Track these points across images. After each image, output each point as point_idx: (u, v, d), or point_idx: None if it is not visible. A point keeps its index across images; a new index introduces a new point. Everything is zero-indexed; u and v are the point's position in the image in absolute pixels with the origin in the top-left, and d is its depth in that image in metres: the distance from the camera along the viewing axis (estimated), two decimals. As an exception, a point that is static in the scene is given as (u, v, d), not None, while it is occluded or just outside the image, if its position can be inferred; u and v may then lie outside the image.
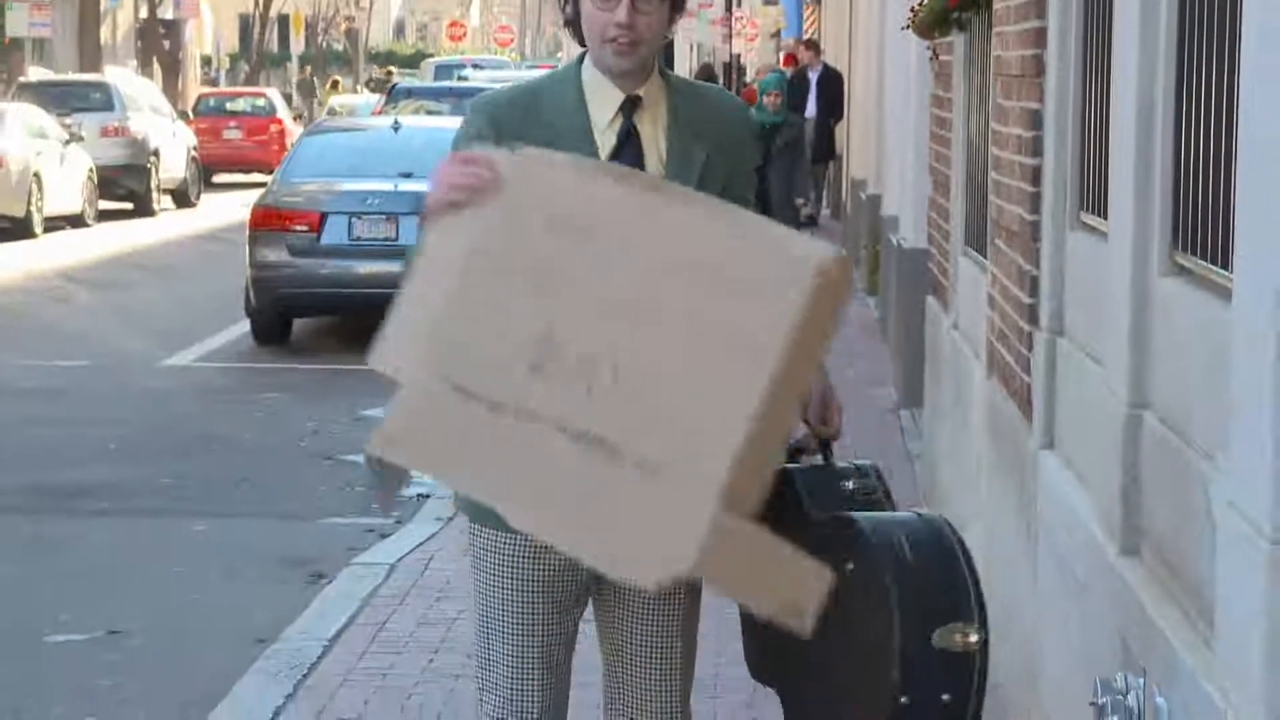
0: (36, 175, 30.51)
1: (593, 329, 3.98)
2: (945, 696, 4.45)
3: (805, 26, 40.47)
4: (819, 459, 4.79)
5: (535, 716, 4.75)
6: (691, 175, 4.58)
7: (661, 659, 4.75)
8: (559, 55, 72.50)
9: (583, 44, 4.65)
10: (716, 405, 3.85)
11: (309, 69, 71.35)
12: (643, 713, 4.79)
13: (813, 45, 30.74)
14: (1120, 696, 4.75)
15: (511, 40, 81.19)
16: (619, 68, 4.59)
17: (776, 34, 57.23)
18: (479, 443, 4.07)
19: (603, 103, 4.63)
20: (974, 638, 4.48)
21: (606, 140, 4.61)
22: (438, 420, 4.13)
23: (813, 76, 28.13)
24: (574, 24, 4.64)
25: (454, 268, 4.17)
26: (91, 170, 33.02)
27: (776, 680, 4.92)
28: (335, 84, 33.22)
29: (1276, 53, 3.74)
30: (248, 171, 44.05)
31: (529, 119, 4.62)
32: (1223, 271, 4.52)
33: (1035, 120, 6.95)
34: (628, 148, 4.61)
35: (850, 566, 4.50)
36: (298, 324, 19.30)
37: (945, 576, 4.50)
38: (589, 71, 4.64)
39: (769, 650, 4.86)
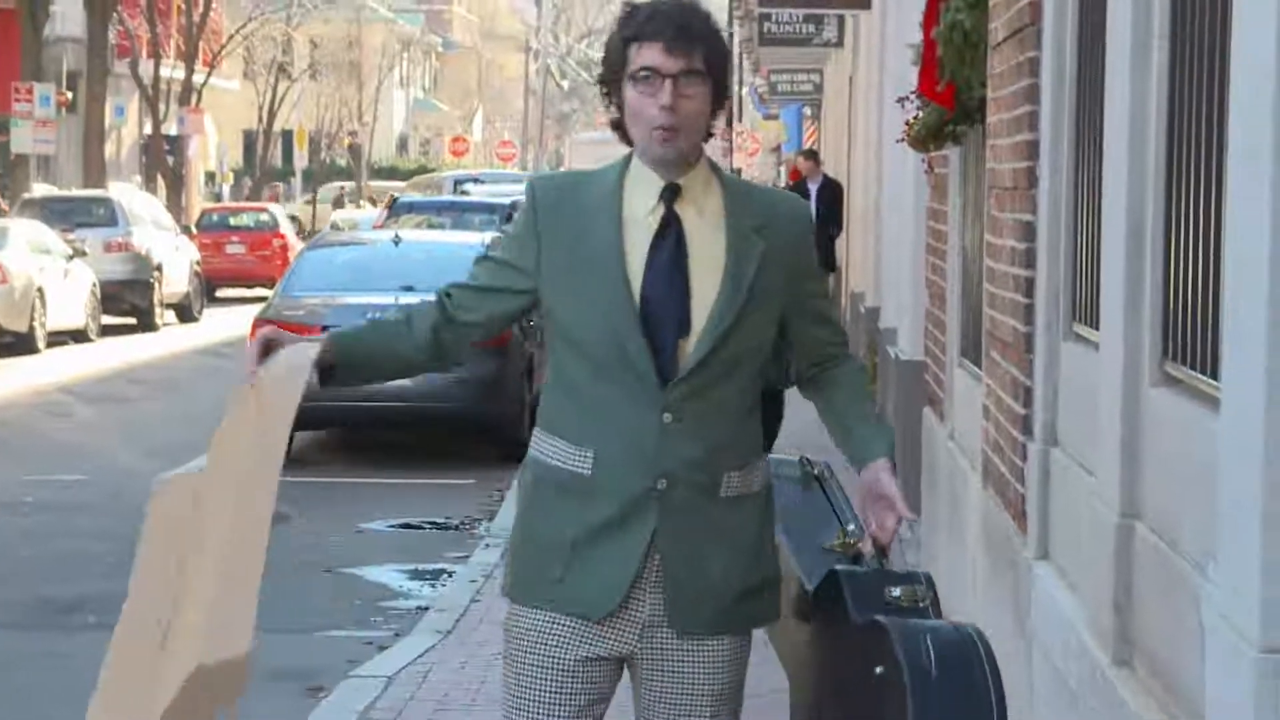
0: (40, 291, 30.53)
1: None
2: None
3: (805, 139, 40.63)
4: (876, 563, 4.78)
5: None
6: (750, 265, 4.59)
7: None
8: (560, 169, 72.79)
9: (629, 143, 4.67)
10: None
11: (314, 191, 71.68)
12: None
13: (812, 156, 30.79)
14: (1115, 807, 4.75)
15: (514, 155, 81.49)
16: (663, 156, 4.60)
17: (777, 148, 57.46)
18: None
19: (645, 191, 4.64)
20: None
21: (646, 229, 4.61)
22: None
23: (813, 187, 28.14)
24: (620, 125, 4.67)
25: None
26: (95, 285, 33.02)
27: None
28: (392, 200, 33.34)
29: (1260, 174, 3.77)
30: (251, 286, 44.06)
31: (565, 198, 4.69)
32: (1212, 381, 4.55)
33: (1028, 232, 6.98)
34: (668, 234, 4.61)
35: (879, 670, 4.53)
36: (298, 437, 19.29)
37: (966, 683, 4.50)
38: (634, 164, 4.67)
39: None
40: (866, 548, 4.80)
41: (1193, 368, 4.78)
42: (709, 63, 4.61)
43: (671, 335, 4.56)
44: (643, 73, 4.57)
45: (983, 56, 8.42)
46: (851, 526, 4.93)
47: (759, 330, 4.63)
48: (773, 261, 4.63)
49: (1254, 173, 3.83)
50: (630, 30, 4.62)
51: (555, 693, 4.64)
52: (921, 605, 4.71)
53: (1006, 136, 7.49)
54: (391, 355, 4.81)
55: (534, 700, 4.66)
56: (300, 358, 4.62)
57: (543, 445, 4.70)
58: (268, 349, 4.68)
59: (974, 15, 8.47)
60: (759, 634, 4.85)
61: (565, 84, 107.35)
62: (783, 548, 4.93)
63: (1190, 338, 4.82)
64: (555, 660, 4.63)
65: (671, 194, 4.63)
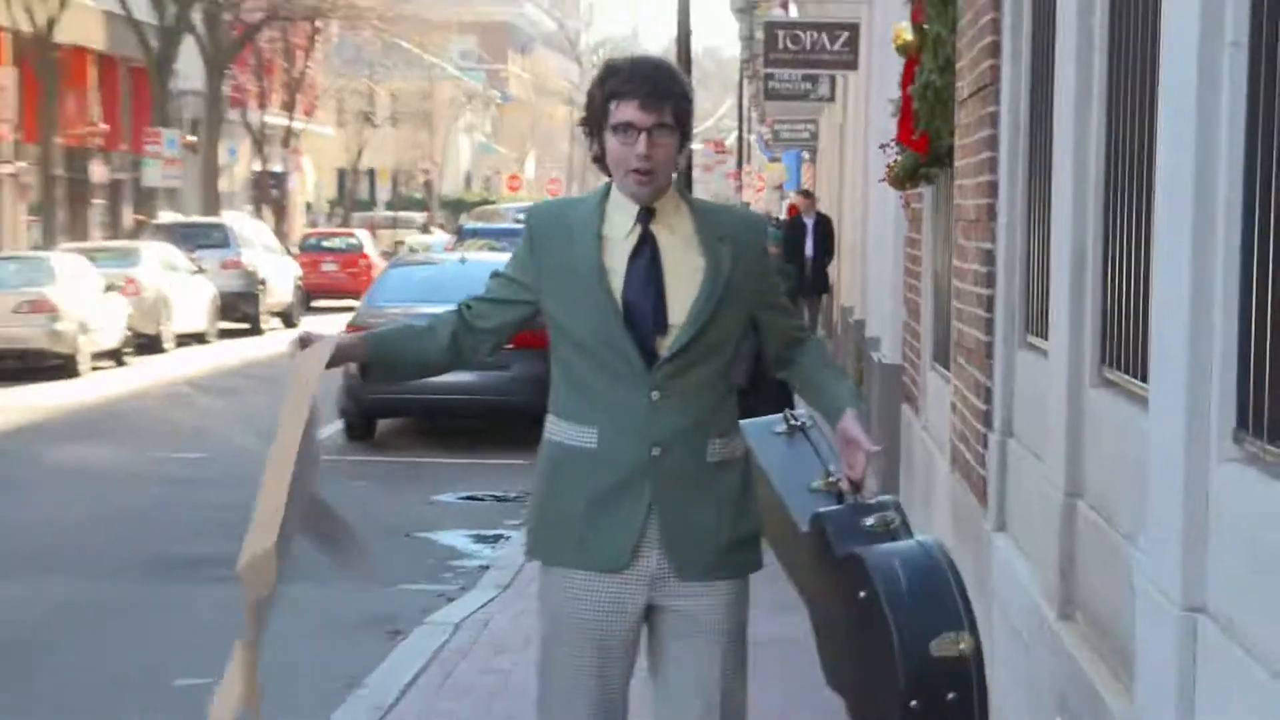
0: (167, 300, 30.66)
1: None
2: (950, 695, 4.45)
3: (803, 179, 40.54)
4: (853, 499, 4.78)
5: None
6: (724, 267, 4.61)
7: (698, 702, 4.63)
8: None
9: (609, 175, 4.69)
10: None
11: (394, 220, 71.72)
12: None
13: (807, 195, 30.69)
14: (1059, 737, 4.75)
15: (560, 190, 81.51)
16: (639, 196, 4.63)
17: (779, 186, 57.35)
18: None
19: (623, 216, 4.66)
20: (964, 644, 4.48)
21: (626, 246, 4.63)
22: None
23: (808, 221, 28.08)
24: (600, 160, 4.70)
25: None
26: (213, 296, 33.17)
27: (840, 690, 4.92)
28: (459, 228, 33.24)
29: (1180, 208, 3.77)
30: (341, 298, 44.05)
31: (554, 222, 4.73)
32: (1142, 384, 4.54)
33: (988, 258, 6.98)
34: (644, 249, 4.63)
35: (862, 594, 4.53)
36: (381, 423, 19.34)
37: (935, 594, 4.51)
38: (614, 193, 4.69)
39: (831, 665, 4.88)
40: (845, 486, 4.78)
41: (1126, 372, 4.78)
42: (676, 116, 4.63)
43: (650, 330, 4.58)
44: (621, 126, 4.59)
45: (950, 110, 8.41)
46: (832, 467, 4.90)
47: (730, 322, 4.64)
48: (739, 264, 4.65)
49: (1176, 206, 3.83)
50: (610, 88, 4.64)
51: (587, 640, 4.63)
52: (892, 528, 4.70)
53: (971, 177, 7.49)
54: (417, 356, 4.84)
55: (567, 651, 4.65)
56: (322, 348, 4.80)
57: (555, 428, 4.70)
58: (305, 342, 4.83)
59: (943, 76, 8.47)
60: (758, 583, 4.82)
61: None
62: (778, 495, 4.92)
63: (1124, 346, 4.82)
64: (585, 611, 4.63)
65: (647, 216, 4.65)
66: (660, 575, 4.61)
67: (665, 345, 4.58)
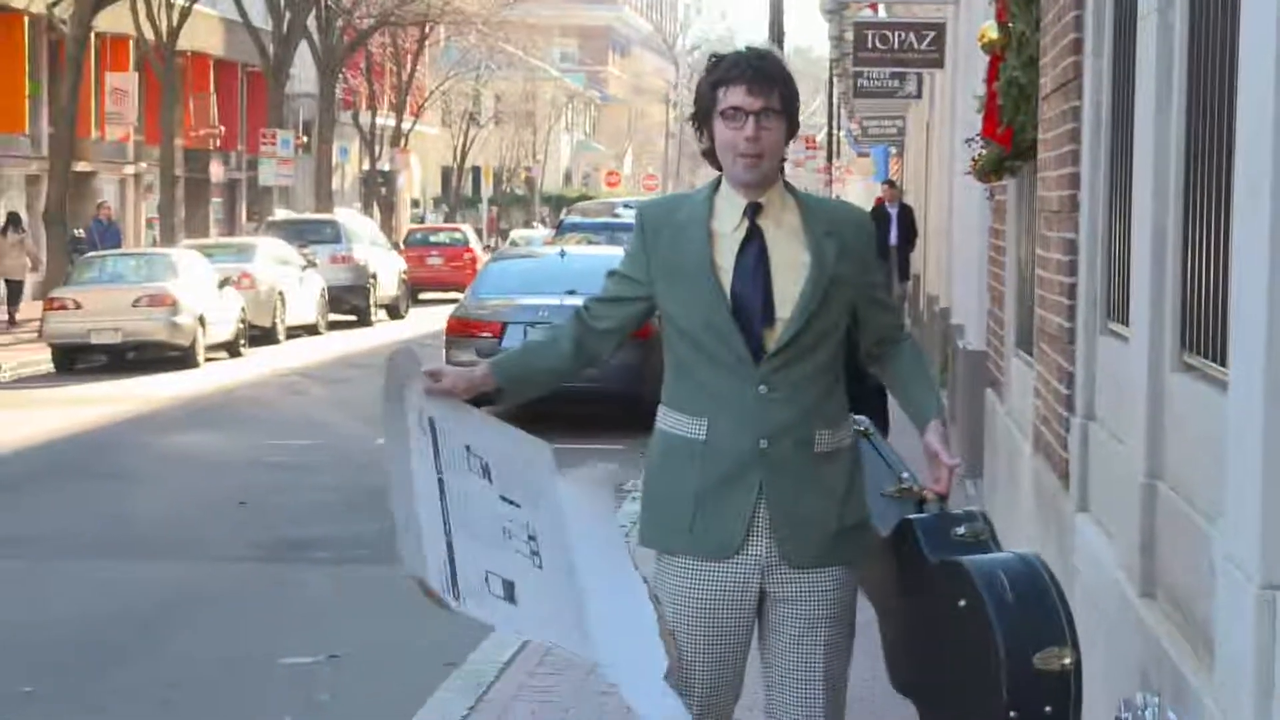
0: (280, 294, 30.80)
1: None
2: (1048, 709, 4.39)
3: (891, 172, 40.36)
4: (937, 508, 4.72)
5: (695, 716, 4.61)
6: (828, 261, 4.56)
7: (803, 685, 4.59)
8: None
9: (719, 169, 4.64)
10: None
11: (495, 209, 71.91)
12: None
13: (892, 185, 30.56)
14: (1140, 712, 4.67)
15: (656, 185, 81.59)
16: (747, 179, 4.56)
17: (868, 178, 57.11)
18: None
19: (732, 210, 4.61)
20: (1068, 659, 4.42)
21: (735, 239, 4.58)
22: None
23: (892, 211, 27.93)
24: (710, 154, 4.64)
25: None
26: (324, 290, 33.32)
27: (912, 693, 4.87)
28: (560, 222, 33.11)
29: (1260, 207, 3.71)
30: (446, 290, 44.21)
31: (664, 218, 4.67)
32: (1221, 368, 4.48)
33: (1071, 247, 6.90)
34: (752, 243, 4.58)
35: (962, 603, 4.47)
36: (482, 409, 19.33)
37: (1040, 608, 4.44)
38: (723, 187, 4.64)
39: (905, 669, 4.82)
40: (929, 495, 4.71)
41: (1206, 357, 4.71)
42: (783, 101, 4.57)
43: (758, 323, 4.53)
44: (730, 111, 4.54)
45: (1034, 106, 8.33)
46: (905, 474, 4.83)
47: (835, 314, 4.58)
48: (843, 258, 4.58)
49: (1255, 205, 3.77)
50: (717, 76, 4.59)
51: (700, 624, 4.59)
52: (983, 539, 4.64)
53: (1053, 169, 7.41)
54: (544, 369, 4.79)
55: (688, 633, 4.60)
56: (408, 355, 4.73)
57: (666, 419, 4.66)
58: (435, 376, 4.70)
59: (1027, 72, 8.39)
60: None
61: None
62: None
63: (1204, 332, 4.75)
64: (695, 596, 4.59)
65: (754, 211, 4.60)
66: (770, 562, 4.57)
67: (773, 338, 4.53)
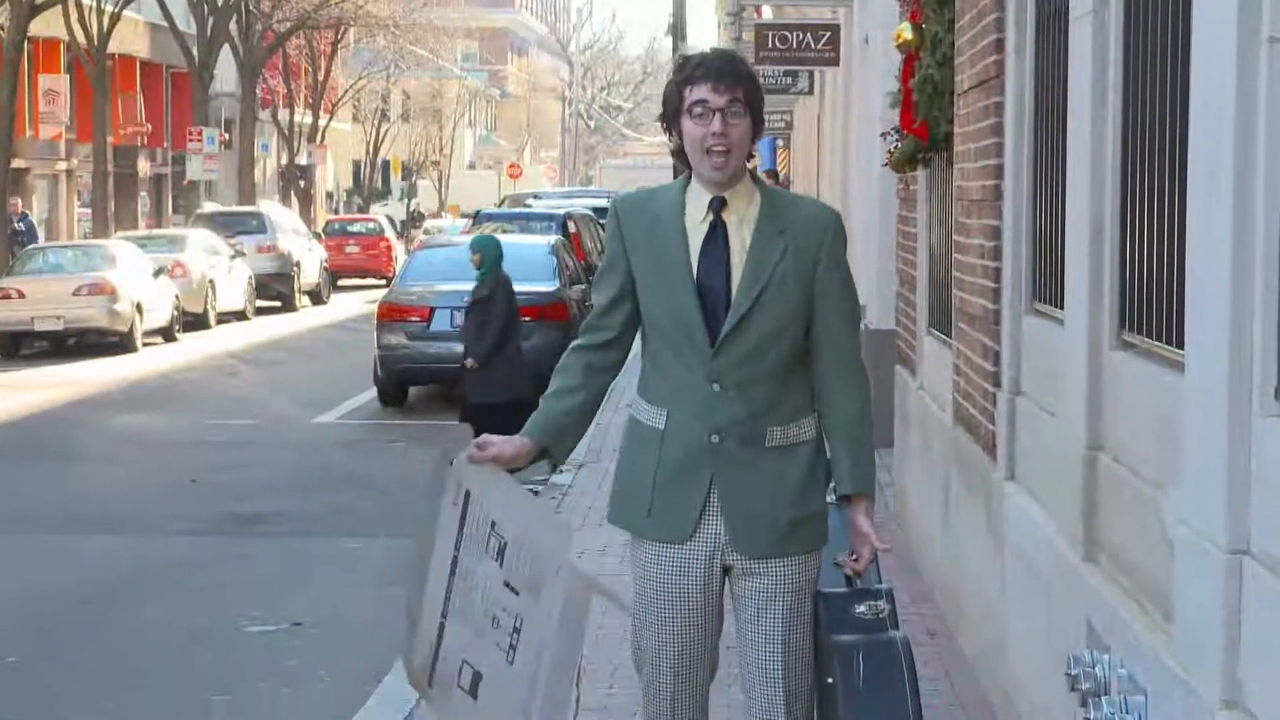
0: (211, 282, 30.53)
1: None
2: None
3: (779, 162, 40.35)
4: (857, 583, 4.55)
5: (670, 689, 4.59)
6: (768, 264, 4.44)
7: (766, 656, 4.51)
8: (591, 186, 72.53)
9: (688, 167, 4.54)
10: None
11: (415, 202, 71.43)
12: (751, 695, 4.57)
13: (773, 174, 30.54)
14: (1089, 668, 4.66)
15: (555, 176, 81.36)
16: (715, 175, 4.46)
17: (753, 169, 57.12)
18: None
19: (698, 204, 4.50)
20: None
21: (700, 231, 4.49)
22: None
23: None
24: (680, 153, 4.54)
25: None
26: (251, 278, 33.02)
27: None
28: (477, 213, 32.62)
29: (1220, 185, 3.68)
30: (364, 277, 44.03)
31: (639, 210, 4.58)
32: (1166, 345, 4.46)
33: (995, 233, 6.88)
34: (713, 237, 4.48)
35: (829, 680, 4.42)
36: (413, 390, 19.24)
37: (888, 694, 4.35)
38: (693, 182, 4.53)
39: None
40: (849, 571, 4.54)
41: (1147, 335, 4.69)
42: (748, 97, 4.45)
43: (721, 314, 4.43)
44: (696, 107, 4.43)
45: (948, 102, 8.31)
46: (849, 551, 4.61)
47: (782, 312, 4.42)
48: (793, 256, 4.44)
49: (1215, 190, 3.74)
50: (684, 75, 4.48)
51: (665, 600, 4.53)
52: (880, 617, 4.49)
53: (973, 161, 7.38)
54: (572, 410, 4.53)
55: (655, 611, 4.54)
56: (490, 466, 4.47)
57: (636, 406, 4.59)
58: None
59: (942, 71, 8.37)
60: None
61: (592, 124, 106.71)
62: None
63: (1144, 312, 4.73)
64: (663, 577, 4.52)
65: (719, 205, 4.49)
66: (726, 545, 4.49)
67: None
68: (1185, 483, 3.99)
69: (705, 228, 4.49)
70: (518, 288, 14.61)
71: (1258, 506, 3.58)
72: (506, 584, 4.30)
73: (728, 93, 4.43)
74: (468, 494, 4.42)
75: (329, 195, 69.41)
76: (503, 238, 21.88)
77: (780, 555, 4.48)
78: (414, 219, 65.01)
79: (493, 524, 4.36)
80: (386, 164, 74.55)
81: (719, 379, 4.42)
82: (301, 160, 58.96)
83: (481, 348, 14.02)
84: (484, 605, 4.32)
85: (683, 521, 4.48)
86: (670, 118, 4.54)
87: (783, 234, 4.47)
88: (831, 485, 4.56)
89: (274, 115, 56.55)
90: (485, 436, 4.49)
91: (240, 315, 32.25)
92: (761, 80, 4.71)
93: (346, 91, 65.88)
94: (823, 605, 4.53)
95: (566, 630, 4.19)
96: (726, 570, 4.53)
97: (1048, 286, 6.16)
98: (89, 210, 42.76)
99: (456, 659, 4.28)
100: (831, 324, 4.51)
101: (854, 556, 4.53)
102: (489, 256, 14.21)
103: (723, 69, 4.46)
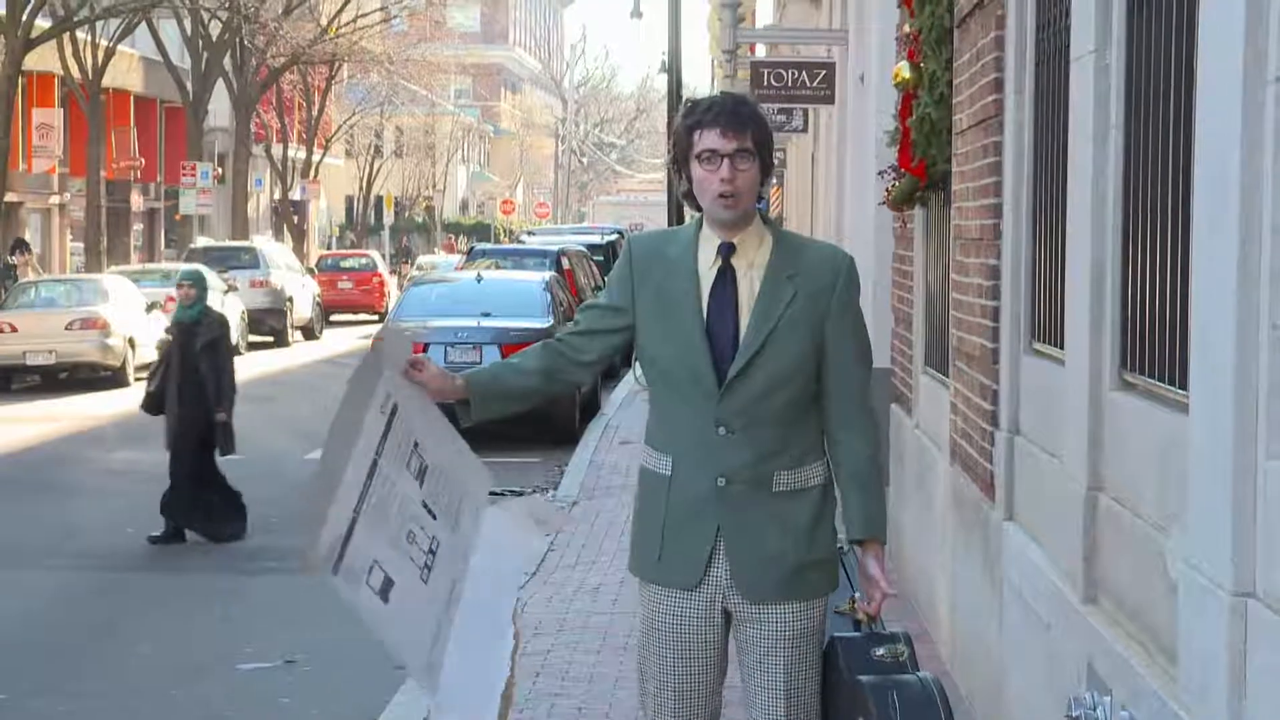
0: (203, 316, 30.45)
1: None
2: None
3: (772, 199, 40.38)
4: (867, 628, 4.55)
5: None
6: (777, 308, 4.43)
7: (769, 702, 4.50)
8: (584, 223, 72.58)
9: (698, 210, 4.52)
10: None
11: (404, 238, 71.47)
12: None
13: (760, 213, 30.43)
14: (1090, 710, 4.63)
15: (548, 212, 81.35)
16: (725, 218, 4.45)
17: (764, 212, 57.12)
18: None
19: (708, 248, 4.49)
20: None
21: (709, 276, 4.48)
22: None
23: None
24: (689, 195, 4.52)
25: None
26: (244, 312, 32.97)
27: None
28: (470, 248, 32.19)
29: (1225, 226, 3.68)
30: (356, 312, 44.02)
31: (655, 251, 4.56)
32: (1168, 385, 4.45)
33: (994, 272, 6.87)
34: (722, 281, 4.47)
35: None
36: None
37: None
38: (704, 227, 4.53)
39: None
40: (862, 615, 4.54)
41: (1149, 376, 4.68)
42: (756, 142, 4.44)
43: (728, 359, 4.42)
44: (705, 154, 4.42)
45: (945, 140, 8.31)
46: (858, 594, 4.60)
47: (791, 354, 4.41)
48: (803, 299, 4.42)
49: (1221, 229, 3.73)
50: (693, 120, 4.47)
51: (671, 647, 4.53)
52: (901, 660, 4.49)
53: (973, 200, 7.37)
54: (516, 390, 4.57)
55: (658, 655, 4.54)
56: (402, 339, 4.61)
57: (644, 455, 4.59)
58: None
59: (939, 110, 8.37)
60: None
61: (584, 160, 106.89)
62: None
63: (1145, 352, 4.72)
64: (666, 622, 4.52)
65: (728, 250, 4.48)
66: (731, 591, 4.48)
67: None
68: (1190, 524, 3.97)
69: (714, 272, 4.48)
70: (511, 324, 14.60)
71: (1263, 548, 3.56)
72: (425, 504, 4.33)
73: (735, 139, 4.42)
74: (395, 406, 4.36)
75: (321, 231, 69.42)
76: (496, 274, 21.97)
77: (783, 600, 4.47)
78: (404, 254, 65.13)
79: (415, 444, 4.37)
80: (379, 199, 74.58)
81: (725, 423, 4.41)
82: (295, 195, 58.98)
83: (226, 394, 13.63)
84: (400, 517, 4.28)
85: (694, 567, 4.47)
86: (680, 161, 4.53)
87: (792, 278, 4.46)
88: (841, 530, 4.56)
89: (267, 150, 56.58)
90: (426, 358, 4.54)
91: (233, 350, 32.10)
92: (760, 118, 4.68)
93: (340, 127, 65.98)
94: (841, 649, 4.51)
95: (499, 561, 4.32)
96: (728, 616, 4.52)
97: (1047, 326, 6.15)
98: (81, 244, 42.72)
99: (367, 558, 4.16)
100: (843, 367, 4.50)
101: (866, 600, 4.51)
102: (201, 289, 13.30)
103: (731, 115, 4.45)
